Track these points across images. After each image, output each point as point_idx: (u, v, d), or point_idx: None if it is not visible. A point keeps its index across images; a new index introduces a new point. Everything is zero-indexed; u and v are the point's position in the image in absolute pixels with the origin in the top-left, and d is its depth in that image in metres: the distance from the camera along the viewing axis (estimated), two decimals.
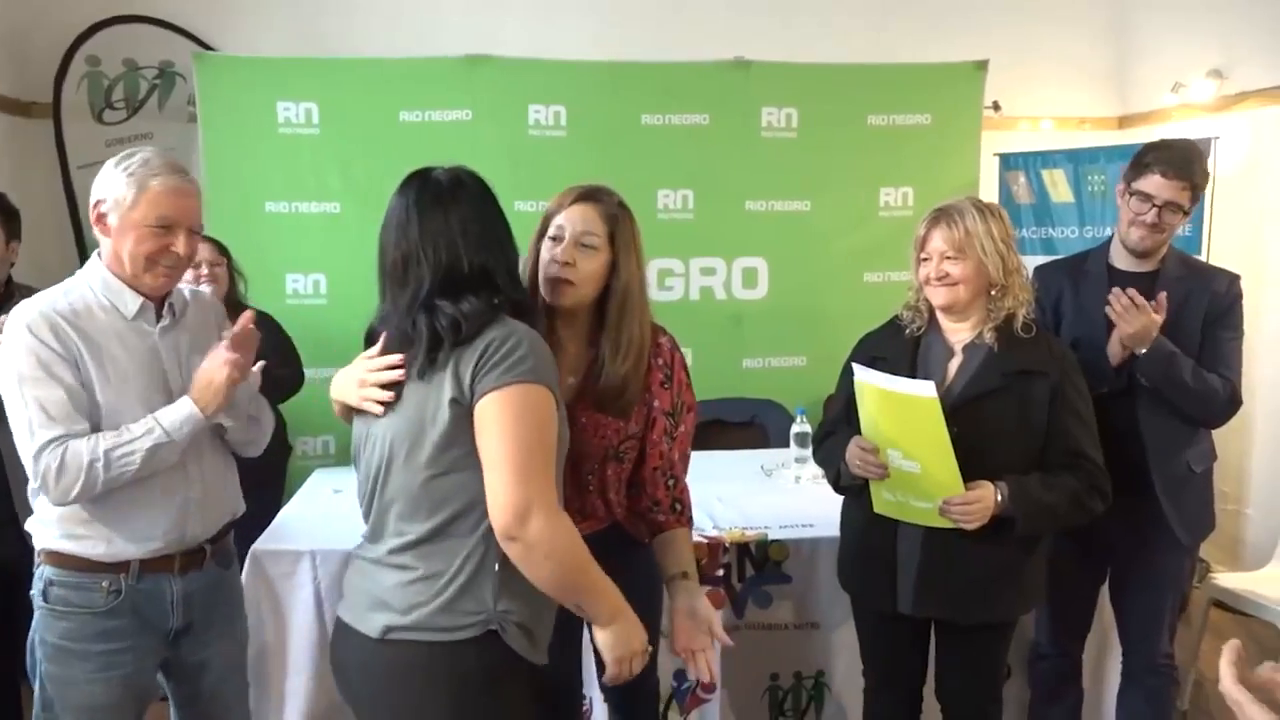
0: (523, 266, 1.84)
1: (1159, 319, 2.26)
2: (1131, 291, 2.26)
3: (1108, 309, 2.27)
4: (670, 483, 1.95)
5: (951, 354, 2.16)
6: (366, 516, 1.65)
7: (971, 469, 2.00)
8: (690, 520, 1.99)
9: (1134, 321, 2.24)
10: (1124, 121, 5.01)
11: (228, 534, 2.09)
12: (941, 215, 2.11)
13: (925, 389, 1.95)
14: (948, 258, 2.09)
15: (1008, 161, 4.64)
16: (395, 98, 4.09)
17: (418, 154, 4.18)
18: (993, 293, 2.11)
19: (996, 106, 4.68)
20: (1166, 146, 2.40)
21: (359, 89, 4.09)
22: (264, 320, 3.28)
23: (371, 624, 1.53)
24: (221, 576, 2.08)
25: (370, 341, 1.71)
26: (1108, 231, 4.46)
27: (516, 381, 1.48)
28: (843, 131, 4.34)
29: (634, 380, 1.86)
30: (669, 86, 4.27)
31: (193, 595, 1.97)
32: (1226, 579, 3.31)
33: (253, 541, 2.55)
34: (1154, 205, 2.33)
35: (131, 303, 1.90)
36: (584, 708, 2.48)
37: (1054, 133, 4.90)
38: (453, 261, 1.57)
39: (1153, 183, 2.34)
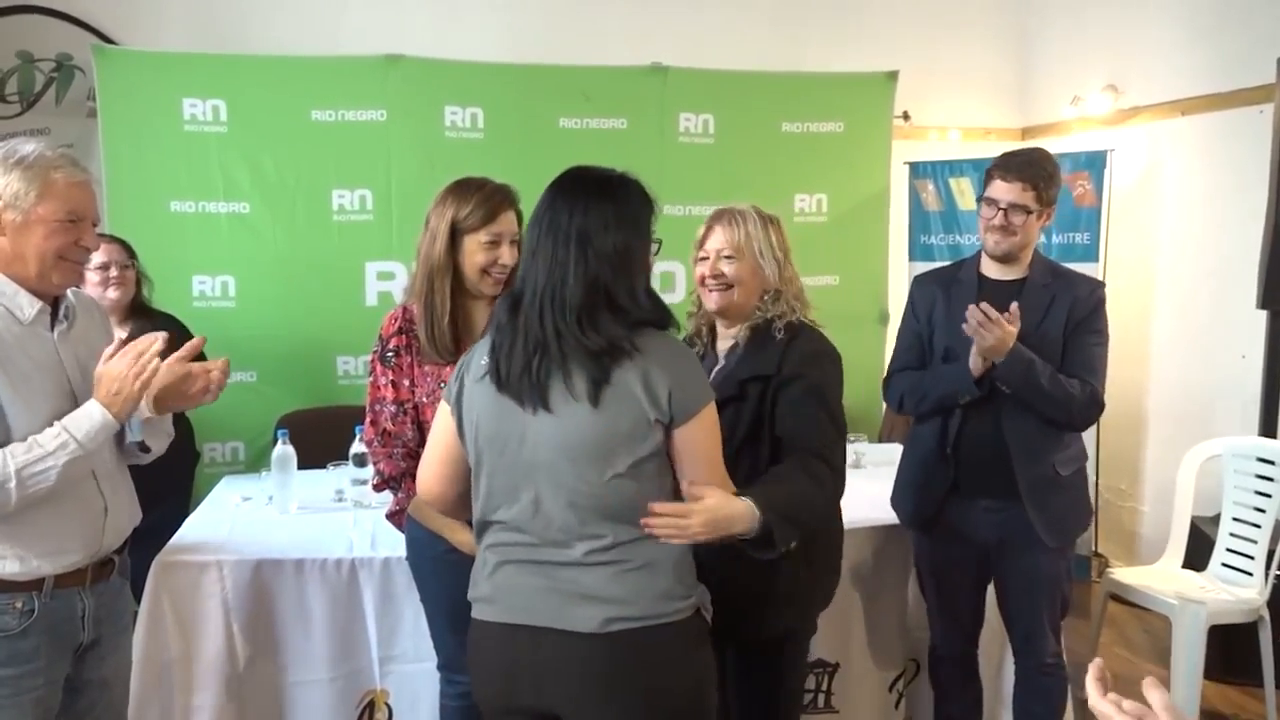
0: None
1: (1013, 329, 2.29)
2: (985, 305, 2.30)
3: (964, 324, 2.31)
4: None
5: (717, 361, 2.16)
6: (489, 512, 1.69)
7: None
8: None
9: (989, 335, 2.28)
10: (1027, 133, 5.18)
11: (128, 544, 2.02)
12: (724, 214, 2.12)
13: None
14: (725, 257, 2.08)
15: (917, 170, 4.77)
16: (307, 96, 4.01)
17: (330, 153, 4.22)
18: (765, 298, 2.10)
19: (906, 116, 4.79)
20: (1011, 154, 2.51)
21: (269, 87, 4.00)
22: (170, 324, 3.21)
23: (582, 620, 1.60)
24: (123, 588, 2.02)
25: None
26: None
27: (701, 408, 1.64)
28: (758, 138, 4.39)
29: None
30: (586, 90, 4.27)
31: (101, 609, 1.91)
32: (1122, 573, 3.44)
33: (157, 553, 2.46)
34: (999, 209, 2.42)
35: (28, 306, 1.82)
36: None
37: (961, 143, 5.05)
38: (598, 274, 1.62)
39: (996, 188, 2.44)
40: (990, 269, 2.53)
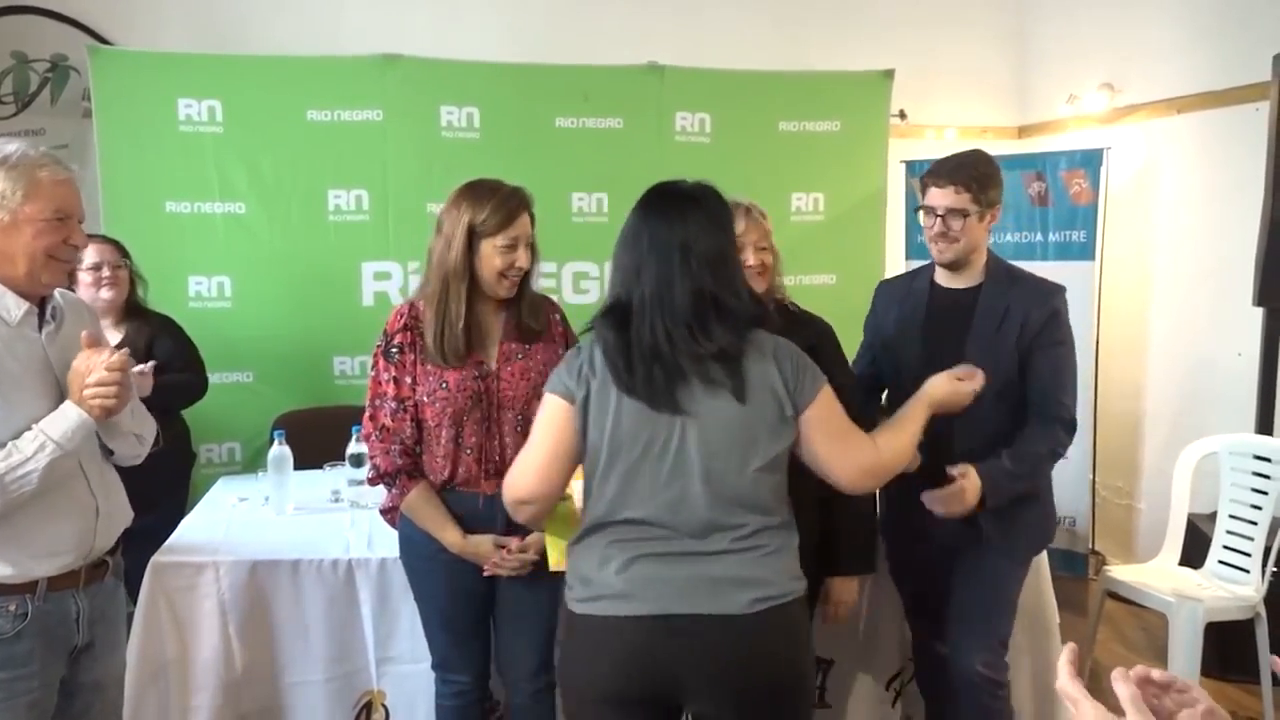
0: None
1: (972, 496, 2.18)
2: (929, 496, 2.20)
3: (928, 504, 2.21)
4: None
5: None
6: (616, 510, 1.76)
7: None
8: None
9: (957, 506, 2.19)
10: (1023, 131, 5.18)
11: (121, 544, 2.01)
12: (750, 209, 2.34)
13: None
14: (760, 248, 2.31)
15: (914, 169, 4.76)
16: (303, 96, 4.00)
17: (326, 154, 4.22)
18: (777, 281, 2.40)
19: (903, 115, 4.79)
20: (943, 160, 2.39)
21: (265, 87, 3.99)
22: (166, 324, 3.21)
23: (733, 604, 1.71)
24: (117, 589, 2.01)
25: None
26: (1008, 236, 4.64)
27: (820, 386, 1.80)
28: (754, 137, 4.38)
29: (538, 320, 2.28)
30: (583, 90, 4.26)
31: (95, 610, 1.91)
32: (1119, 571, 3.44)
33: (154, 554, 2.45)
34: (936, 215, 2.33)
35: (15, 308, 1.81)
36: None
37: (958, 141, 5.04)
38: (706, 279, 1.75)
39: (931, 195, 2.35)
40: (943, 277, 2.44)
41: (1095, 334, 4.43)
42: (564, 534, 1.96)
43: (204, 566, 2.43)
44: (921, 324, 2.42)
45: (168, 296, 3.53)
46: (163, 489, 3.02)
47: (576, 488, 1.93)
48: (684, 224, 1.75)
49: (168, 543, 2.56)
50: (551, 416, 1.78)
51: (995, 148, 5.00)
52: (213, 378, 3.33)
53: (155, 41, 4.19)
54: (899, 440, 1.91)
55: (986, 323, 2.32)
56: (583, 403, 1.75)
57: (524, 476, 1.81)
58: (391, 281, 4.12)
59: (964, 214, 2.29)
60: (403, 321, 2.19)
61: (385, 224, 4.10)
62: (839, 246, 4.48)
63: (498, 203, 2.15)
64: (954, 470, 2.19)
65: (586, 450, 1.77)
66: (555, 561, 2.04)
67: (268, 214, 4.01)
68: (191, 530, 2.70)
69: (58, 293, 1.94)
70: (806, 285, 4.23)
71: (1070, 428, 2.31)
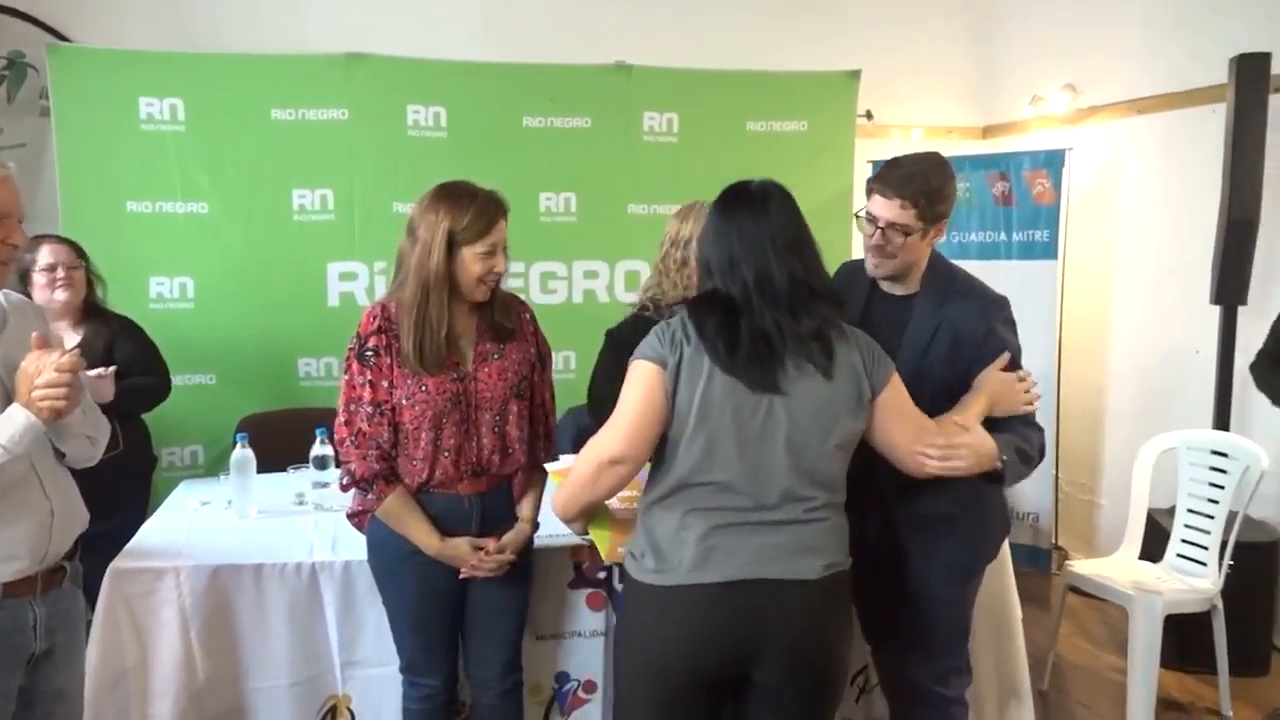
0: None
1: (979, 452, 1.97)
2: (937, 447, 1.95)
3: (929, 463, 1.95)
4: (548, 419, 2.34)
5: None
6: (698, 473, 1.82)
7: None
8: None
9: (960, 460, 1.96)
10: (988, 131, 5.23)
11: (79, 549, 1.98)
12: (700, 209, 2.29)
13: None
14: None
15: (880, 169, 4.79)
16: (267, 95, 3.97)
17: (291, 153, 4.18)
18: None
19: (869, 115, 4.82)
20: (894, 164, 2.15)
21: (228, 85, 3.95)
22: (126, 326, 3.17)
23: (808, 569, 1.83)
24: (76, 595, 1.98)
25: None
26: (972, 236, 4.68)
27: (892, 370, 1.94)
28: (722, 137, 4.39)
29: (510, 319, 2.28)
30: (550, 89, 4.25)
31: (54, 618, 1.87)
32: (1081, 566, 3.49)
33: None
34: (876, 227, 2.12)
35: None
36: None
37: (924, 141, 5.08)
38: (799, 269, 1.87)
39: (875, 203, 2.13)
40: (883, 280, 2.24)
41: (1058, 332, 4.48)
42: (605, 526, 2.09)
43: (164, 572, 2.39)
44: (857, 326, 2.19)
45: (128, 298, 3.48)
46: (123, 493, 2.99)
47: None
48: (767, 217, 1.87)
49: (127, 547, 2.51)
50: (642, 379, 1.84)
51: (960, 148, 5.06)
52: (175, 380, 3.28)
53: (116, 39, 4.12)
54: (1011, 439, 2.00)
55: (916, 340, 2.14)
56: (675, 368, 1.82)
57: (615, 437, 1.84)
58: (358, 282, 4.09)
59: (906, 231, 2.09)
60: (376, 324, 2.17)
61: (351, 224, 4.07)
62: None
63: (478, 210, 2.13)
64: (955, 417, 2.00)
65: (674, 414, 1.83)
66: (608, 554, 2.11)
67: (231, 214, 3.97)
68: (152, 535, 2.66)
69: (2, 294, 1.90)
70: None
71: (1042, 434, 2.18)
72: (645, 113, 4.35)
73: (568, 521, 2.06)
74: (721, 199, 1.95)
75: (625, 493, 2.03)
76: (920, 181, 2.09)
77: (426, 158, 4.03)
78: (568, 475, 1.98)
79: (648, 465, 1.92)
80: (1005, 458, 2.00)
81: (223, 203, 3.95)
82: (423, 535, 2.18)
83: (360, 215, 4.07)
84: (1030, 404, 2.11)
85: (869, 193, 2.17)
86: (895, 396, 1.93)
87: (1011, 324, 2.20)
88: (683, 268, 2.35)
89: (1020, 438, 2.07)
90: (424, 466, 2.17)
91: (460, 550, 2.19)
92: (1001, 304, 2.20)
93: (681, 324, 1.86)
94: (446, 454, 2.17)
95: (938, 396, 2.08)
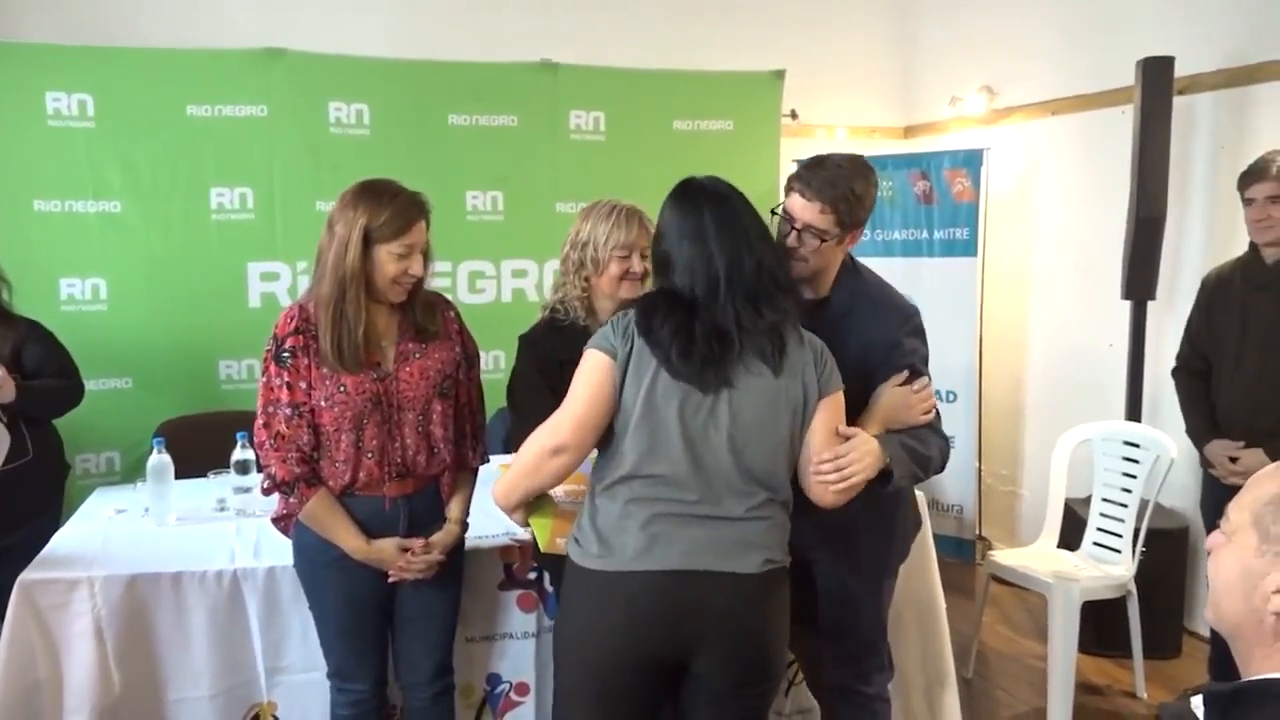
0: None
1: (868, 459, 1.91)
2: (827, 461, 1.89)
3: (818, 476, 1.89)
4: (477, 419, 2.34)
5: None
6: (642, 466, 1.82)
7: None
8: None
9: (854, 470, 1.90)
10: (909, 131, 5.34)
11: None
12: (634, 214, 2.25)
13: None
14: (645, 255, 2.17)
15: None
16: (182, 90, 3.86)
17: (208, 150, 4.06)
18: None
19: (794, 115, 4.88)
20: (816, 164, 2.10)
21: (141, 80, 3.83)
22: (33, 329, 3.05)
23: (746, 564, 1.84)
24: None
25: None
26: (895, 234, 4.77)
27: (840, 387, 1.94)
28: (649, 135, 4.41)
29: (433, 321, 2.26)
30: (476, 87, 4.22)
31: None
32: (1003, 555, 3.57)
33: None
34: (793, 228, 2.07)
35: None
36: None
37: (848, 141, 5.16)
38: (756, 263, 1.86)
39: (793, 202, 2.08)
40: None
41: (978, 328, 4.60)
42: (547, 515, 2.05)
43: (77, 582, 2.31)
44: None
45: (37, 300, 3.35)
46: (33, 503, 2.88)
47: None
48: (735, 209, 1.88)
49: (38, 558, 2.42)
50: (592, 369, 1.84)
51: (883, 147, 5.16)
52: (90, 384, 3.17)
53: (21, 32, 3.97)
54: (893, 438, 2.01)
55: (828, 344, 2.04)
56: (624, 359, 1.82)
57: (562, 426, 1.84)
58: (279, 282, 4.00)
59: (822, 237, 2.05)
60: (294, 325, 2.13)
61: (272, 223, 3.98)
62: None
63: (396, 209, 2.10)
64: (843, 430, 1.94)
65: (620, 406, 1.83)
66: (546, 544, 2.07)
67: (145, 213, 3.85)
68: (64, 544, 2.56)
69: None
70: None
71: (947, 443, 2.16)
72: (571, 111, 4.34)
73: (508, 511, 2.01)
74: (682, 194, 1.92)
75: (570, 485, 2.02)
76: (843, 188, 2.04)
77: (349, 155, 3.96)
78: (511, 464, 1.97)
79: (593, 456, 1.91)
80: (891, 454, 1.95)
81: (137, 201, 3.84)
82: (348, 538, 2.15)
83: (281, 214, 3.98)
84: (926, 414, 2.07)
85: (788, 190, 2.11)
86: (833, 412, 1.92)
87: (920, 333, 2.17)
88: (579, 269, 2.24)
89: (914, 438, 2.03)
90: (346, 469, 2.14)
91: (387, 552, 2.17)
92: (910, 314, 2.17)
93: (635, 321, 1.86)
94: (369, 455, 2.14)
95: (847, 407, 2.01)
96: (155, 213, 3.87)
